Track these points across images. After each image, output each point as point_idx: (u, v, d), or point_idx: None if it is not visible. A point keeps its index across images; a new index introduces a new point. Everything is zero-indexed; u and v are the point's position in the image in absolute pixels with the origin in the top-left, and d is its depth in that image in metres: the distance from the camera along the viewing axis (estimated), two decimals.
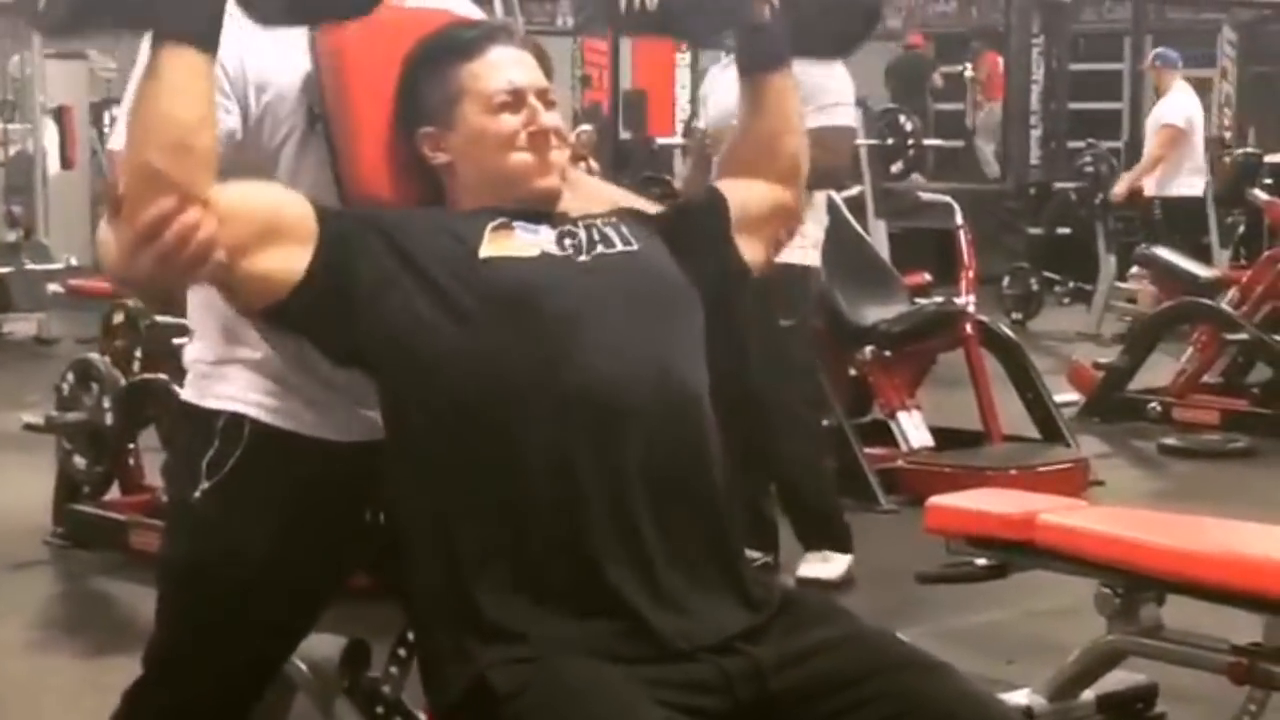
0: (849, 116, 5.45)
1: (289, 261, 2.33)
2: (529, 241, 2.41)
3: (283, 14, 2.37)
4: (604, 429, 2.29)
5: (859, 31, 2.87)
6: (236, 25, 2.32)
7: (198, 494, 2.57)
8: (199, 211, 2.19)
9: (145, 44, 2.26)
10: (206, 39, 2.23)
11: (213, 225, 2.20)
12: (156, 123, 2.21)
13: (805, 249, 5.29)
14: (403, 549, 2.41)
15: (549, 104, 2.50)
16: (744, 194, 2.64)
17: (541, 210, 2.47)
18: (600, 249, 2.45)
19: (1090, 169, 11.79)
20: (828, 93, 5.15)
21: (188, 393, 2.67)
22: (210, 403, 2.60)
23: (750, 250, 2.63)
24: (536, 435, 2.29)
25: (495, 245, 2.39)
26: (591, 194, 2.66)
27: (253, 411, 2.56)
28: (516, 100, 2.47)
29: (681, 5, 2.62)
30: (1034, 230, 12.29)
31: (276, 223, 2.33)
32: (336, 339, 2.39)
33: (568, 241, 2.44)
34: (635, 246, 2.49)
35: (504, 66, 2.49)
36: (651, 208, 2.64)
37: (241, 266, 2.30)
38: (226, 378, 2.59)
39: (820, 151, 2.96)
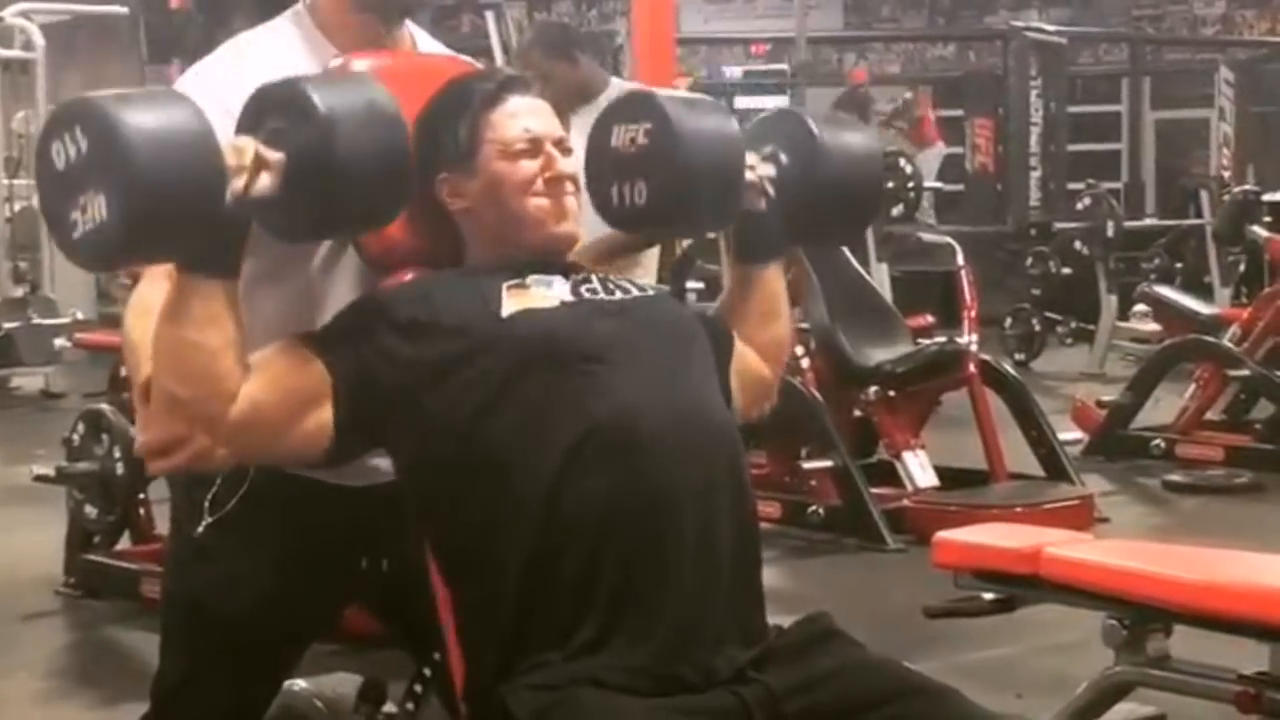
0: None
1: (318, 418, 2.37)
2: (545, 294, 2.45)
3: (309, 233, 2.41)
4: (638, 459, 2.32)
5: (856, 223, 2.85)
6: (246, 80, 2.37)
7: (200, 529, 2.62)
8: (210, 440, 2.29)
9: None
10: (231, 270, 2.29)
11: (224, 450, 2.31)
12: (182, 353, 2.27)
13: None
14: (433, 588, 2.43)
15: (565, 151, 2.55)
16: (742, 348, 2.68)
17: (554, 261, 2.51)
18: (619, 295, 2.50)
19: (1090, 209, 11.80)
20: None
21: None
22: None
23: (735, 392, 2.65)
24: (572, 472, 2.31)
25: (515, 301, 2.42)
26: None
27: None
28: (534, 147, 2.52)
29: (672, 199, 2.54)
30: (1035, 271, 12.32)
31: (294, 401, 2.36)
32: (402, 438, 2.41)
33: (584, 289, 2.48)
34: (650, 293, 2.56)
35: (522, 115, 2.54)
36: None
37: (279, 447, 2.38)
38: None
39: None
